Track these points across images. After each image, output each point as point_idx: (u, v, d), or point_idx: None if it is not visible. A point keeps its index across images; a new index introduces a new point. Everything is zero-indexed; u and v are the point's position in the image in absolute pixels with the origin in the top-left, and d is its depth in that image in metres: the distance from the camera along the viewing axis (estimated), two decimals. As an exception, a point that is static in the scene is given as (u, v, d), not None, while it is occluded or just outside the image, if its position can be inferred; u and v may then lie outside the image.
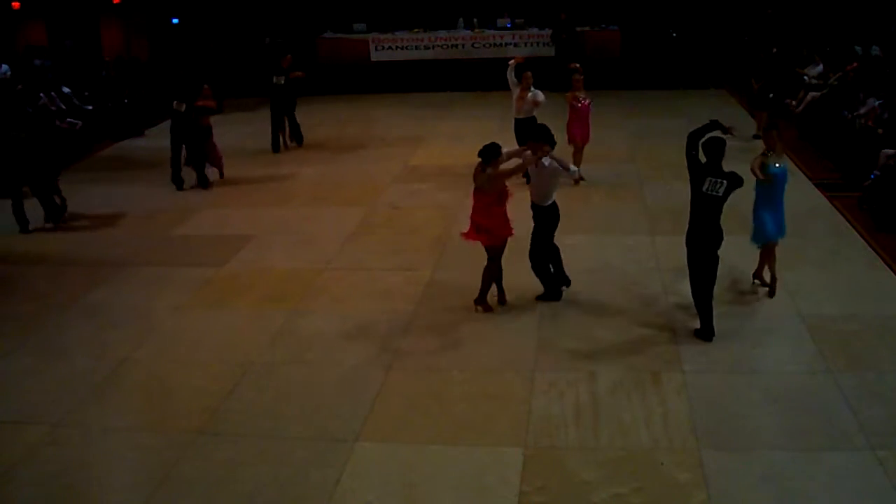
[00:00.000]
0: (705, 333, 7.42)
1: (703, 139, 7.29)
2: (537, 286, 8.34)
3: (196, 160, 12.63)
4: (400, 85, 19.99)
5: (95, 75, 17.47)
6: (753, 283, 8.45)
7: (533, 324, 7.80)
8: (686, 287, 8.32)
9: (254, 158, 14.30)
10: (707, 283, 7.41)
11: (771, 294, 8.22)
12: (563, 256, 8.38)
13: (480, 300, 8.16)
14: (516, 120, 11.55)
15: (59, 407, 6.73)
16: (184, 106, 12.25)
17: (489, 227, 7.89)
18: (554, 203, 8.12)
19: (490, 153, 7.75)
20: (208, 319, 8.28)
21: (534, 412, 6.40)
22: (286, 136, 15.01)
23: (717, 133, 7.37)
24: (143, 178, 13.22)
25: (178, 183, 12.59)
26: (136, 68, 18.99)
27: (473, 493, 5.55)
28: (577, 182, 11.33)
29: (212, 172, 12.84)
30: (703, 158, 7.29)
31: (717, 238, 7.32)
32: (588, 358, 7.18)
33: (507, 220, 7.98)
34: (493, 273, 8.12)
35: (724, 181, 7.12)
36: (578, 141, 11.82)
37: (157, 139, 16.42)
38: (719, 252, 7.37)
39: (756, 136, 13.39)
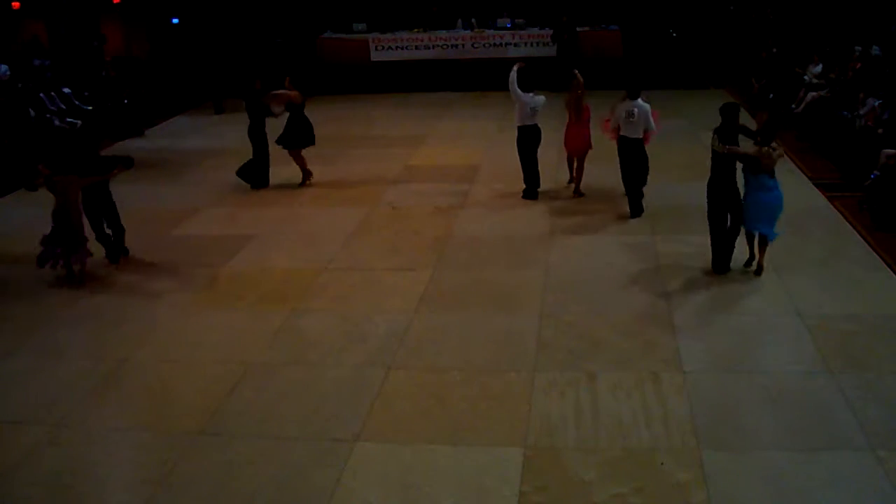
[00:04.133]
0: (716, 266, 8.57)
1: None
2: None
3: (117, 224, 9.76)
4: (400, 85, 19.99)
5: (95, 75, 17.46)
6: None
7: (533, 324, 7.80)
8: (686, 286, 8.38)
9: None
10: (713, 225, 8.55)
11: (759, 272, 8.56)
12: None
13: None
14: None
15: (59, 407, 6.73)
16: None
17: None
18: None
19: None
20: (208, 319, 8.27)
21: (534, 412, 6.39)
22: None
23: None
24: (143, 178, 13.18)
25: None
26: (137, 68, 18.99)
27: (473, 493, 5.55)
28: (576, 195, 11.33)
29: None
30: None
31: (721, 190, 8.38)
32: (588, 358, 7.17)
33: None
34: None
35: (715, 135, 8.35)
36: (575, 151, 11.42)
37: (158, 139, 16.53)
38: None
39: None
